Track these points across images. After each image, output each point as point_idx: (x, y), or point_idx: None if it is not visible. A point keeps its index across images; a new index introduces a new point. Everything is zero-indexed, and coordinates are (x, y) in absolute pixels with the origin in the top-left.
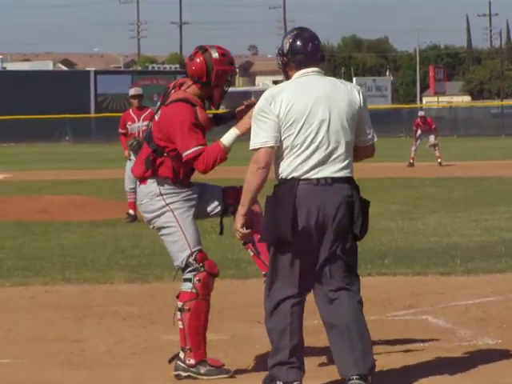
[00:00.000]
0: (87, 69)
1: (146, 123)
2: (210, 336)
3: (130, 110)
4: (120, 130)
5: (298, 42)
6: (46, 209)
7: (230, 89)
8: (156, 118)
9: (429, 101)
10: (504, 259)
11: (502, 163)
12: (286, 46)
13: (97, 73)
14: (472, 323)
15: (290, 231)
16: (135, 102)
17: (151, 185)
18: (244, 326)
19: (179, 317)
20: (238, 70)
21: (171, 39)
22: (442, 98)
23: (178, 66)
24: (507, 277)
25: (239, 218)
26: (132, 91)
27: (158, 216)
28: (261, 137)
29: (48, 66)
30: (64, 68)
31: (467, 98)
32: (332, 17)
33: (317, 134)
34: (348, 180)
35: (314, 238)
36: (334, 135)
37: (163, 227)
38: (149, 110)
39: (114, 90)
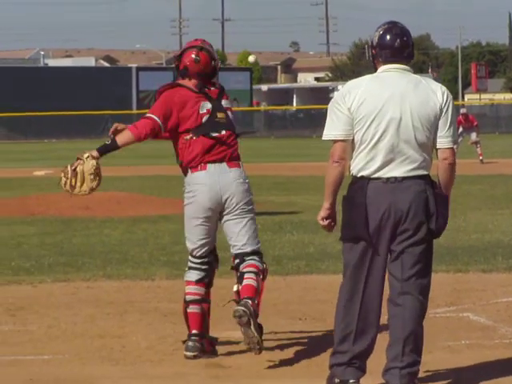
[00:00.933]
0: (129, 65)
1: None
2: None
3: None
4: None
5: (388, 37)
6: (88, 205)
7: (272, 86)
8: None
9: (471, 98)
10: None
11: None
12: (376, 39)
13: (139, 69)
14: None
15: (365, 230)
16: None
17: (242, 168)
18: (285, 323)
19: (254, 276)
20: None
21: (213, 36)
22: (483, 96)
23: (219, 62)
24: None
25: (322, 211)
26: None
27: (250, 199)
28: (332, 129)
29: (90, 62)
30: (106, 64)
31: (509, 96)
32: (374, 14)
33: (385, 131)
34: (421, 177)
35: (387, 234)
36: (404, 135)
37: (252, 211)
38: None
39: (156, 87)
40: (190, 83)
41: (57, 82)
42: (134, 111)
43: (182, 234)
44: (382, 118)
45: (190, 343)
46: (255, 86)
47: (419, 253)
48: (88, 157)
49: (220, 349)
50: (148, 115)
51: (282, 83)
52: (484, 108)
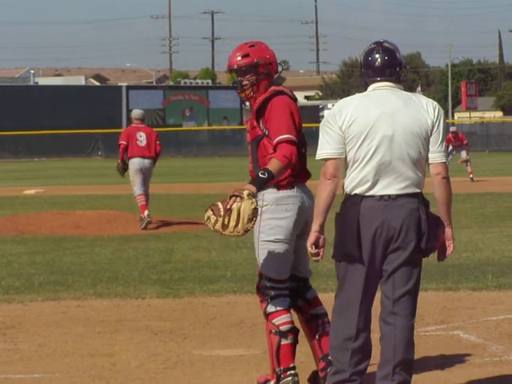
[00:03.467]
0: (119, 84)
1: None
2: (241, 351)
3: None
4: (122, 142)
5: (371, 56)
6: (78, 223)
7: None
8: None
9: (461, 116)
10: None
11: None
12: (362, 59)
13: (129, 88)
14: (503, 338)
15: (356, 248)
16: (138, 122)
17: None
18: None
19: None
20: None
21: (203, 54)
22: (473, 114)
23: (209, 81)
24: None
25: (311, 235)
26: (137, 115)
27: None
28: (325, 148)
29: (80, 81)
30: (96, 83)
31: (499, 114)
32: (364, 32)
33: (377, 149)
34: (414, 195)
35: (379, 252)
36: (396, 152)
37: None
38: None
39: (146, 105)
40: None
41: (47, 101)
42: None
43: (173, 252)
44: (373, 135)
45: (295, 379)
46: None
47: (410, 272)
48: (249, 194)
49: (210, 367)
50: (287, 137)
51: None
52: (474, 126)
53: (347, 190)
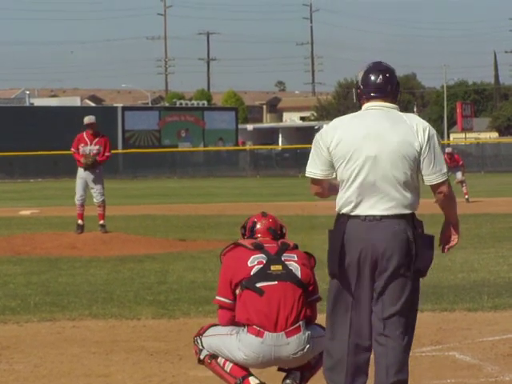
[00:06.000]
0: (115, 105)
1: (97, 147)
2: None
3: (84, 134)
4: (72, 149)
5: (370, 74)
6: (74, 244)
7: (258, 125)
8: None
9: (456, 137)
10: None
11: None
12: (359, 77)
13: (124, 109)
14: (499, 359)
15: (336, 266)
16: (90, 129)
17: None
18: None
19: None
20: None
21: (199, 75)
22: (469, 135)
23: (205, 102)
24: None
25: None
26: (86, 120)
27: None
28: (310, 167)
29: (75, 101)
30: (91, 104)
31: (494, 135)
32: (359, 53)
33: (361, 169)
34: (401, 216)
35: (368, 273)
36: (381, 173)
37: None
38: (100, 137)
39: (142, 126)
40: None
41: (42, 122)
42: (120, 151)
43: (168, 273)
44: (357, 156)
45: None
46: (241, 126)
47: (399, 293)
48: None
49: None
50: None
51: (267, 122)
52: (469, 147)
53: (337, 208)
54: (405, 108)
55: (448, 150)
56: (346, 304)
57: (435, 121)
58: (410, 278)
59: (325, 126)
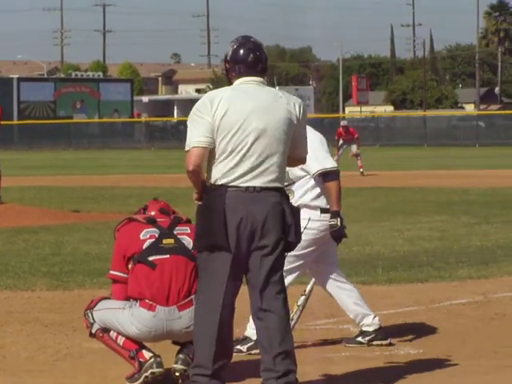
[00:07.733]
0: (10, 76)
1: None
2: None
3: None
4: None
5: (241, 51)
6: None
7: (153, 97)
8: None
9: (352, 110)
10: (426, 269)
11: (423, 173)
12: (229, 53)
13: (20, 80)
14: (393, 333)
15: (224, 238)
16: None
17: None
18: None
19: None
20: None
21: (95, 47)
22: (364, 108)
23: (100, 73)
24: (428, 286)
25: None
26: None
27: None
28: (194, 136)
29: None
30: None
31: (390, 108)
32: (256, 25)
33: (248, 142)
34: (278, 189)
35: (244, 243)
36: (267, 146)
37: None
38: None
39: (37, 97)
40: None
41: None
42: (15, 122)
43: (63, 245)
44: (246, 128)
45: (157, 359)
46: (136, 98)
47: (277, 265)
48: None
49: (100, 359)
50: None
51: (162, 94)
52: (365, 120)
53: (211, 180)
54: (300, 81)
55: (343, 123)
56: (221, 276)
57: (331, 94)
58: (284, 251)
59: (205, 95)
